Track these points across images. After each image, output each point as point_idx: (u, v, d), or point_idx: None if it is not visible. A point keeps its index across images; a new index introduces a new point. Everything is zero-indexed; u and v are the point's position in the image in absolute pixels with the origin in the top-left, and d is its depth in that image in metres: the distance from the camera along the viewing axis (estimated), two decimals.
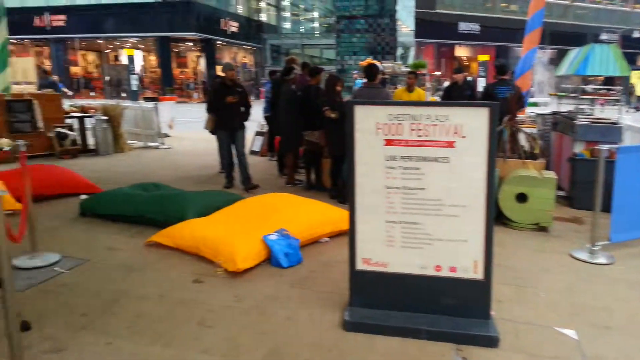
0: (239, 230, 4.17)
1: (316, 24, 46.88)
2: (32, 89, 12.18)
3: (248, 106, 6.68)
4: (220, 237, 4.07)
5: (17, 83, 12.74)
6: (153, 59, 31.75)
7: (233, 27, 33.04)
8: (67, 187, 6.09)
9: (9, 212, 4.79)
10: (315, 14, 47.28)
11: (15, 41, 28.15)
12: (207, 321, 3.07)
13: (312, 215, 4.63)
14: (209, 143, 11.94)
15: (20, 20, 26.82)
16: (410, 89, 7.77)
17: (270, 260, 3.96)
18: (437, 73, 28.91)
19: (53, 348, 2.73)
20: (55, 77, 13.47)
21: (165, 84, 29.40)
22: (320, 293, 3.46)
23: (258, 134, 9.93)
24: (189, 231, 4.26)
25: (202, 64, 31.45)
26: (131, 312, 3.17)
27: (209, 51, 31.02)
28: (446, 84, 16.32)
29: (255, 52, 37.72)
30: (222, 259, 3.85)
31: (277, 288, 3.54)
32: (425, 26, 31.59)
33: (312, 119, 6.26)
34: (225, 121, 6.57)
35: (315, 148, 6.38)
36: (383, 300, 3.03)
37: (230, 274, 3.77)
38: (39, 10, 30.23)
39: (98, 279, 3.71)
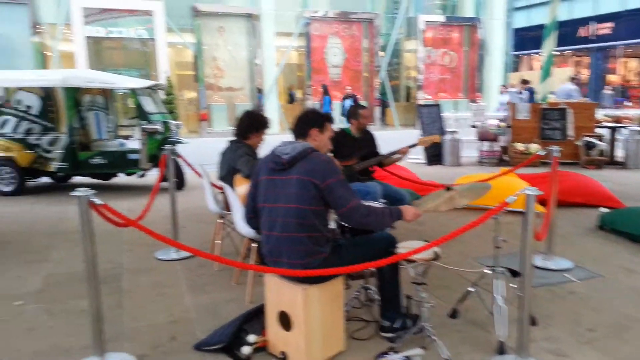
0: None
1: None
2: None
3: None
4: None
5: (552, 92, 13.52)
6: None
7: None
8: (589, 198, 5.99)
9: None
10: None
11: (557, 52, 29.82)
12: None
13: None
14: None
15: (564, 32, 28.14)
16: None
17: None
18: None
19: (555, 351, 2.77)
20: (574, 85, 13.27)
21: None
22: None
23: None
24: None
25: None
26: None
27: None
28: None
29: None
30: None
31: None
32: None
33: None
34: None
35: None
36: None
37: None
38: (585, 20, 30.69)
39: (610, 298, 3.48)
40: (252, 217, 2.83)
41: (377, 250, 2.77)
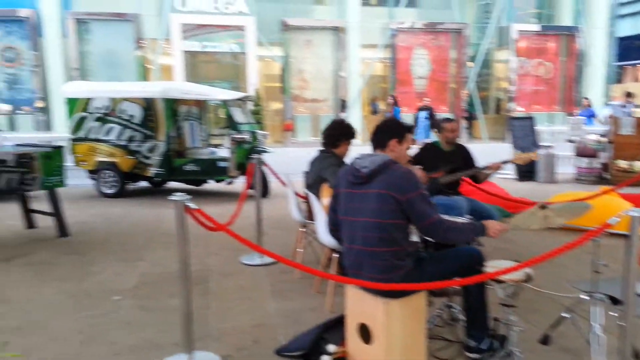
0: None
1: None
2: None
3: None
4: None
5: None
6: None
7: None
8: None
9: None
10: None
11: None
12: None
13: None
14: None
15: None
16: None
17: None
18: None
19: None
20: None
21: None
22: None
23: None
24: None
25: None
26: None
27: None
28: None
29: None
30: None
31: None
32: None
33: None
34: None
35: None
36: None
37: None
38: None
39: None
40: (334, 229, 2.83)
41: (461, 266, 2.67)
